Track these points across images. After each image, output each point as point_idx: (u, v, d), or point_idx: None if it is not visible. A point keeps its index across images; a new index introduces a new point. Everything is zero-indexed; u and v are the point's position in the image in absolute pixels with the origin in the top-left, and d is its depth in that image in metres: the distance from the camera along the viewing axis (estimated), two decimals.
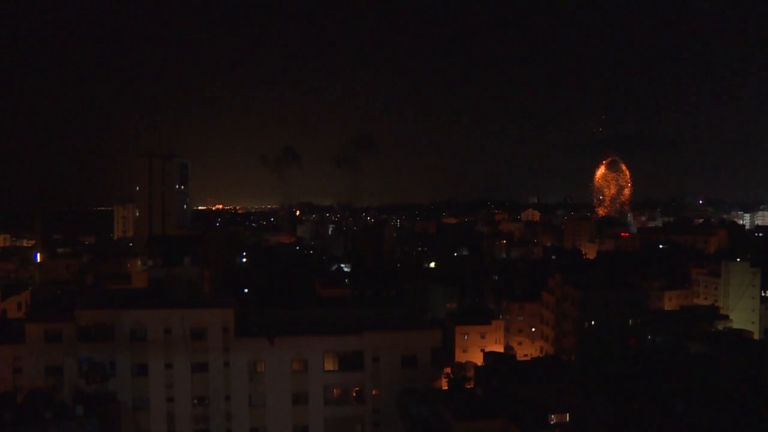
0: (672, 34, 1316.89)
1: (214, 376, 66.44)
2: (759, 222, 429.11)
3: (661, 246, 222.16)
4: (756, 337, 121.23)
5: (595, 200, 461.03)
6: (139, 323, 66.29)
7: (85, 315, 66.18)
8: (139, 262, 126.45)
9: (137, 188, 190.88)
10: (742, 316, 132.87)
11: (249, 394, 67.06)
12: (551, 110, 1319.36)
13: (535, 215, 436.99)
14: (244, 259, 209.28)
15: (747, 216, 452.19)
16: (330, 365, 67.84)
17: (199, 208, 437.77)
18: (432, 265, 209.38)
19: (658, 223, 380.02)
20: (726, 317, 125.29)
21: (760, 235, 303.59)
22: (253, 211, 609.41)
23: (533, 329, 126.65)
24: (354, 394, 68.61)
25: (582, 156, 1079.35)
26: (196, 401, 66.84)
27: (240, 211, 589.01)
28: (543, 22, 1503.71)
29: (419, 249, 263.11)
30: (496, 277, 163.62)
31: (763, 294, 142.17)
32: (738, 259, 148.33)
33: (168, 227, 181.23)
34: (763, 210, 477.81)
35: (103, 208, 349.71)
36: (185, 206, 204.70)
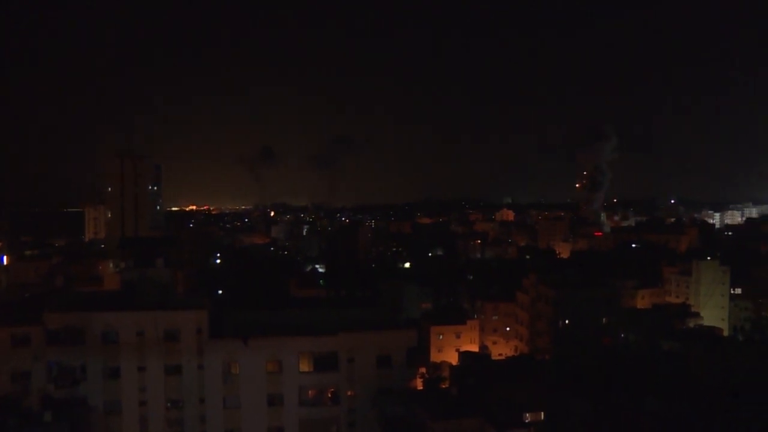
0: (643, 36, 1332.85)
1: (187, 379, 65.69)
2: (728, 221, 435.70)
3: (634, 245, 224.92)
4: (725, 333, 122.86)
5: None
6: (111, 326, 65.32)
7: (54, 318, 64.99)
8: (111, 264, 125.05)
9: (109, 189, 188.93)
10: (712, 314, 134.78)
11: (223, 396, 66.34)
12: (525, 110, 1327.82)
13: (510, 215, 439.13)
14: (218, 260, 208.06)
15: (717, 215, 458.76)
16: (305, 366, 67.41)
17: (173, 209, 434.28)
18: (407, 265, 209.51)
19: (631, 222, 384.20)
20: (697, 315, 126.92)
21: (730, 234, 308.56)
22: (227, 211, 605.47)
23: (508, 329, 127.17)
24: (329, 395, 68.28)
25: (556, 156, 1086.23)
26: (169, 404, 66.04)
27: (214, 212, 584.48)
28: (517, 23, 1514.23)
29: (394, 249, 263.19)
30: (471, 277, 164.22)
31: (732, 292, 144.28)
32: (708, 258, 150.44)
33: (140, 228, 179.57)
34: (733, 209, 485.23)
35: (73, 210, 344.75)
36: (158, 207, 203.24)
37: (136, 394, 65.16)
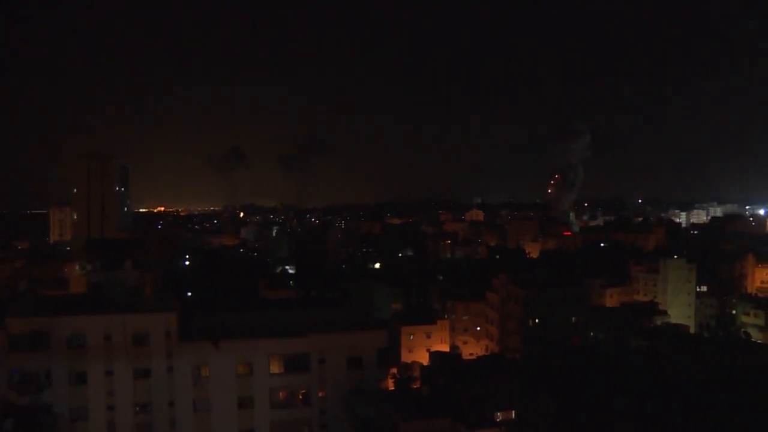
0: (611, 36, 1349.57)
1: (156, 382, 64.81)
2: (694, 220, 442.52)
3: (602, 245, 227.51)
4: (692, 330, 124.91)
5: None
6: (77, 330, 64.06)
7: (17, 323, 63.36)
8: (77, 267, 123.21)
9: (75, 190, 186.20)
10: (679, 311, 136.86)
11: (193, 399, 65.61)
12: (494, 110, 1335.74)
13: (479, 215, 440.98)
14: (187, 262, 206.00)
15: (683, 214, 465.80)
16: (276, 368, 67.01)
17: (140, 210, 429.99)
18: (377, 265, 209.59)
19: (600, 222, 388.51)
20: (664, 312, 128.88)
21: (696, 232, 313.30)
22: (196, 213, 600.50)
23: (478, 328, 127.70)
24: (300, 397, 67.96)
25: (525, 156, 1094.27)
26: (138, 408, 65.01)
27: (182, 213, 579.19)
28: (486, 23, 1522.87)
29: (364, 250, 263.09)
30: (441, 277, 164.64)
31: (698, 289, 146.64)
32: (675, 257, 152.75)
33: (108, 230, 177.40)
34: (698, 209, 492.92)
35: (37, 211, 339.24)
36: (126, 209, 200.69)
37: (104, 399, 64.05)
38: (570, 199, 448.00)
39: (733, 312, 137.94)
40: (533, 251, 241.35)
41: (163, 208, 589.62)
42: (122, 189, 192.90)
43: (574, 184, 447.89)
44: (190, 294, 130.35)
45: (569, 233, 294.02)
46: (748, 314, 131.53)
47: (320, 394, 67.45)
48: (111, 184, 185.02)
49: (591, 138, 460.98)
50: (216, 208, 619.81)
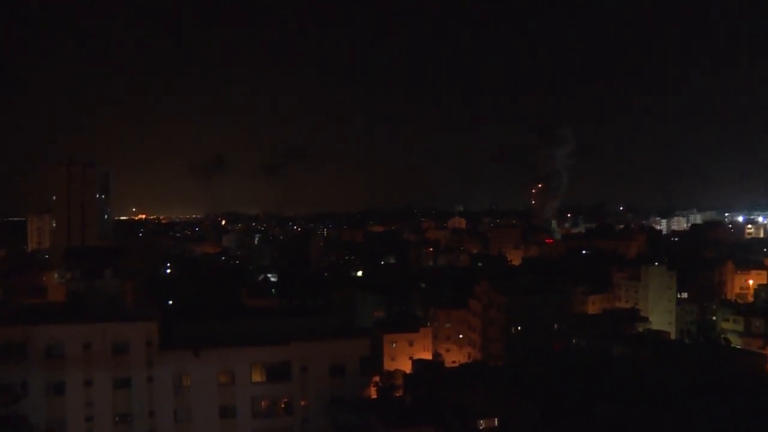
0: (591, 43, 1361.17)
1: (137, 392, 64.10)
2: (675, 227, 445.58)
3: (584, 252, 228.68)
4: (672, 337, 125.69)
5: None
6: (55, 339, 63.27)
7: None
8: (55, 275, 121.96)
9: (54, 198, 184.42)
10: (660, 318, 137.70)
11: (174, 408, 64.97)
12: (477, 118, 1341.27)
13: (462, 223, 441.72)
14: (169, 270, 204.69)
15: (664, 221, 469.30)
16: (257, 377, 66.55)
17: (122, 218, 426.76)
18: (359, 273, 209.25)
19: (581, 229, 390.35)
20: (645, 319, 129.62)
21: (676, 239, 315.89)
22: (178, 220, 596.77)
23: (461, 336, 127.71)
24: (282, 406, 67.52)
25: (507, 164, 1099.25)
26: (117, 418, 64.22)
27: (164, 221, 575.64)
28: (466, 31, 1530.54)
29: (346, 258, 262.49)
30: (424, 285, 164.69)
31: (678, 296, 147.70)
32: (656, 264, 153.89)
33: (88, 238, 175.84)
34: (679, 216, 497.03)
35: (15, 219, 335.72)
36: (106, 216, 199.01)
37: (83, 410, 63.22)
38: (554, 206, 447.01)
39: (713, 318, 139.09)
40: (515, 259, 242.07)
41: (144, 216, 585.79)
42: (103, 196, 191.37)
43: (558, 191, 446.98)
44: (171, 302, 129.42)
45: (551, 240, 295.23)
46: (727, 320, 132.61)
47: (302, 403, 67.07)
48: (92, 191, 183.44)
49: (575, 144, 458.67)
50: (198, 216, 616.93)
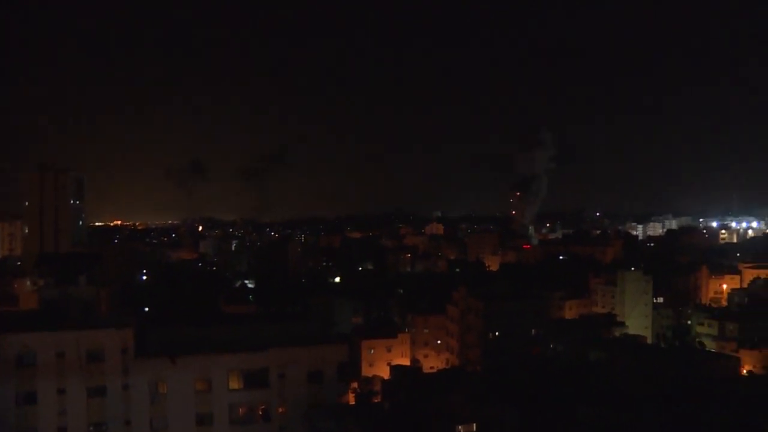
0: (565, 48, 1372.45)
1: (112, 400, 63.22)
2: (651, 232, 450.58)
3: (561, 257, 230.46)
4: (649, 341, 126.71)
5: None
6: (27, 347, 62.22)
7: None
8: (28, 282, 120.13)
9: (26, 203, 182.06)
10: (636, 323, 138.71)
11: (150, 417, 64.23)
12: (454, 124, 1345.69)
13: (439, 229, 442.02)
14: (145, 277, 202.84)
15: (640, 227, 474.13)
16: (235, 384, 66.04)
17: (96, 224, 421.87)
18: (337, 279, 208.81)
19: (559, 235, 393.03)
20: (622, 324, 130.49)
21: (652, 244, 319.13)
22: (154, 226, 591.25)
23: (439, 342, 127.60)
24: (260, 413, 67.06)
25: (485, 170, 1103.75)
26: (92, 428, 63.25)
27: (140, 227, 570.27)
28: (442, 39, 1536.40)
29: (324, 264, 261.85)
30: (401, 291, 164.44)
31: (654, 301, 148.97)
32: (632, 269, 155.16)
33: (61, 244, 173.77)
34: (654, 221, 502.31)
35: None
36: (80, 222, 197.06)
37: (55, 419, 62.19)
38: (533, 211, 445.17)
39: (689, 322, 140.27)
40: (493, 264, 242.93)
41: (119, 222, 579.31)
42: (77, 202, 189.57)
43: (538, 196, 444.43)
44: (147, 309, 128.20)
45: (528, 246, 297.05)
46: (702, 324, 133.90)
47: (280, 410, 66.66)
48: (65, 196, 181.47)
49: (555, 149, 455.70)
50: (174, 222, 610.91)
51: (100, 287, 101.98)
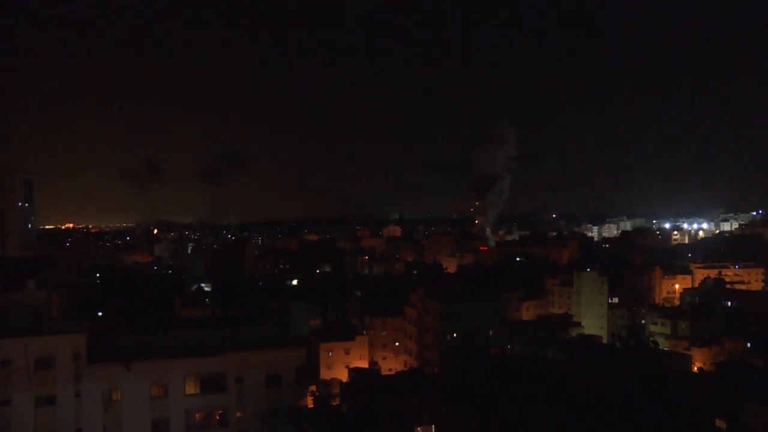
0: (522, 51, 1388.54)
1: (62, 409, 61.44)
2: (606, 234, 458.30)
3: (518, 259, 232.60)
4: (604, 341, 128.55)
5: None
6: None
7: None
8: None
9: None
10: (592, 323, 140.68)
11: (103, 424, 62.59)
12: (412, 127, 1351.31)
13: (397, 231, 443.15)
14: (98, 281, 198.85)
15: (595, 228, 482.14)
16: (191, 389, 64.91)
17: (47, 227, 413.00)
18: (294, 282, 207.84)
19: (515, 236, 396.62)
20: (578, 324, 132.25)
21: (607, 246, 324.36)
22: (108, 229, 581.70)
23: (397, 344, 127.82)
24: (217, 418, 66.03)
25: (442, 173, 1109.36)
26: None
27: (93, 230, 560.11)
28: (402, 43, 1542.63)
29: (281, 266, 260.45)
30: (359, 293, 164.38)
31: (610, 301, 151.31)
32: (588, 270, 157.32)
33: (9, 249, 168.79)
34: (609, 223, 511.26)
35: None
36: (30, 225, 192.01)
37: None
38: (496, 212, 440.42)
39: (643, 322, 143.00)
40: (450, 266, 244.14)
41: (72, 225, 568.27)
42: (26, 204, 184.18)
43: (502, 197, 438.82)
44: (101, 314, 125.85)
45: (486, 248, 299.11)
46: (656, 323, 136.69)
47: (238, 414, 65.77)
48: (12, 199, 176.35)
49: (515, 144, 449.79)
50: (129, 225, 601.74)
51: (51, 292, 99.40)
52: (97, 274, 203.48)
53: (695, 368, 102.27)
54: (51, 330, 66.13)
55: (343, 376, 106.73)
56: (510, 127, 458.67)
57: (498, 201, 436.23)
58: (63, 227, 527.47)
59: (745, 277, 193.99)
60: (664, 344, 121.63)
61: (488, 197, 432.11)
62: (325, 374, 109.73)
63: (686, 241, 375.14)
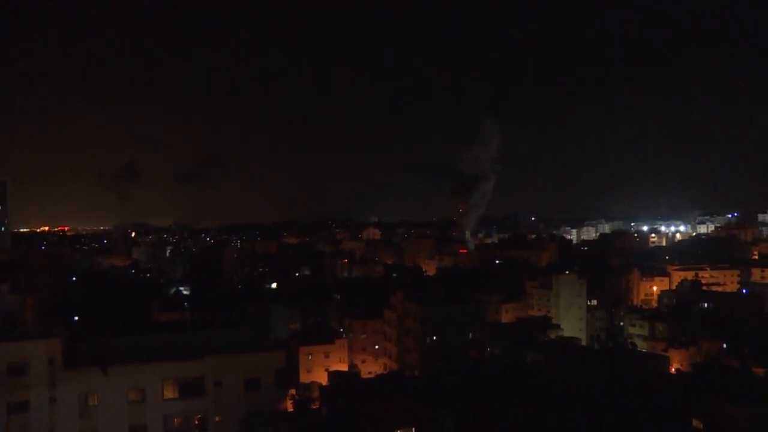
0: (503, 54, 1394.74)
1: (36, 415, 60.48)
2: (584, 236, 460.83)
3: (497, 261, 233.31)
4: (583, 343, 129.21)
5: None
6: None
7: None
8: None
9: None
10: (571, 325, 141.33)
11: (79, 430, 61.94)
12: (391, 130, 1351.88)
13: (376, 234, 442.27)
14: (74, 285, 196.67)
15: (574, 231, 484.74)
16: (170, 393, 64.38)
17: (21, 230, 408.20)
18: (273, 285, 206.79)
19: (495, 239, 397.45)
20: (557, 326, 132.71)
21: (586, 248, 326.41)
22: (84, 232, 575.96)
23: (377, 347, 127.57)
24: (196, 422, 65.53)
25: (421, 175, 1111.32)
26: None
27: (69, 233, 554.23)
28: (381, 45, 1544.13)
29: (260, 270, 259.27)
30: (339, 296, 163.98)
31: (588, 303, 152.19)
32: (567, 272, 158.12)
33: None
34: (588, 225, 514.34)
35: None
36: (2, 228, 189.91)
37: None
38: (479, 213, 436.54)
39: (621, 324, 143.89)
40: (430, 269, 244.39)
41: (47, 228, 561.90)
42: None
43: (483, 198, 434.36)
44: (77, 318, 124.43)
45: (465, 251, 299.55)
46: (634, 325, 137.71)
47: (217, 419, 65.32)
48: None
49: (499, 144, 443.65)
50: (106, 228, 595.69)
51: (25, 296, 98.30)
52: (74, 278, 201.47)
53: (673, 369, 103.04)
54: (24, 335, 65.29)
55: (323, 379, 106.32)
56: (495, 128, 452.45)
57: (480, 202, 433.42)
58: (38, 230, 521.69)
59: (721, 279, 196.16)
60: (642, 346, 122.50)
61: (471, 198, 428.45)
62: (304, 378, 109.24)
63: (664, 244, 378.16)
